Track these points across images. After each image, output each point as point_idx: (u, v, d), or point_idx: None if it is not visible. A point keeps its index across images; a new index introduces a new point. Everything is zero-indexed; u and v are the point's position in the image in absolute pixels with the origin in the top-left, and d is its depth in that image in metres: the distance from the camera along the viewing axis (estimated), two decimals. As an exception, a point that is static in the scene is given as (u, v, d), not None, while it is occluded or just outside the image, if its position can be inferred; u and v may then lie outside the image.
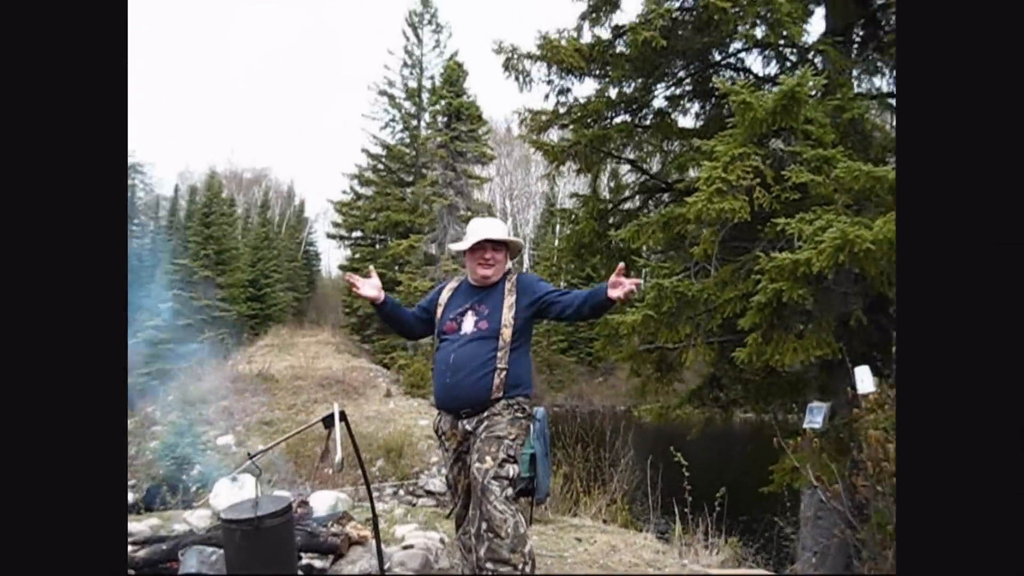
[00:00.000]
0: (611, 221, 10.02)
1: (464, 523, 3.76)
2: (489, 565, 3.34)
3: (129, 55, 2.24)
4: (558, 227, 36.82)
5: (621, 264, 3.37)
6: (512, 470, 3.45)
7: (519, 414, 3.58)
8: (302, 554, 4.27)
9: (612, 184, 10.47)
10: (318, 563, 4.37)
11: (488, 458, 3.41)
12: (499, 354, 3.54)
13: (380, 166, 32.24)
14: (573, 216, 10.54)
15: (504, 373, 3.53)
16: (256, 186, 56.97)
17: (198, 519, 5.31)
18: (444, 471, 3.86)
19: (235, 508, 3.81)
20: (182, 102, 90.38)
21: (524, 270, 42.64)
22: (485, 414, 3.54)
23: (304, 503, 5.23)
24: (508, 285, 3.73)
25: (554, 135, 10.66)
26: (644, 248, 8.90)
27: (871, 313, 6.99)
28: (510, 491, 3.43)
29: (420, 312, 3.99)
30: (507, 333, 3.59)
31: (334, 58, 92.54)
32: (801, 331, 7.11)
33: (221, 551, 3.89)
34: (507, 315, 3.61)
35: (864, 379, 3.90)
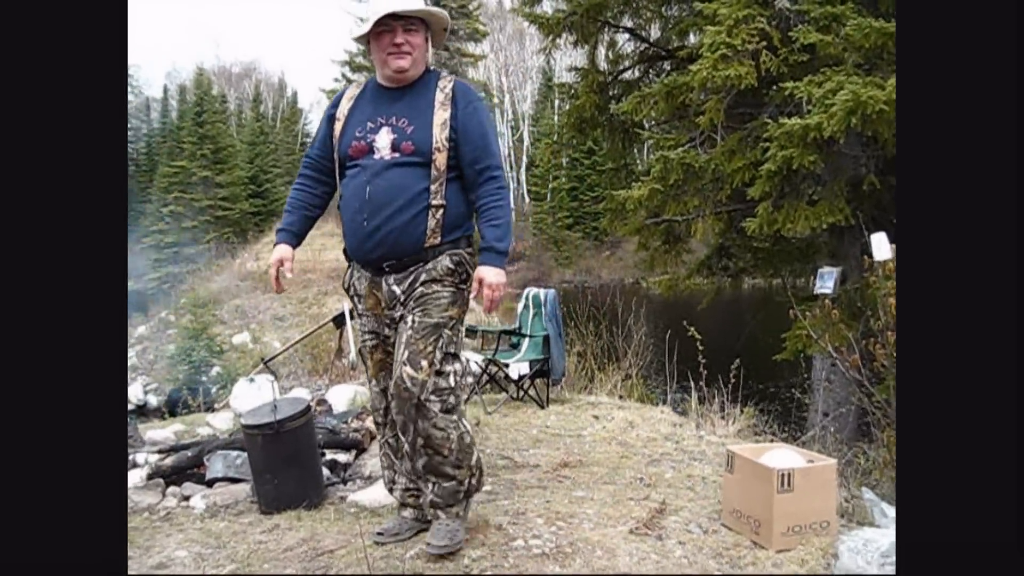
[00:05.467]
0: (611, 93, 9.77)
1: (385, 418, 2.98)
2: (431, 477, 2.79)
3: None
4: (557, 102, 36.04)
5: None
6: (455, 370, 2.75)
7: (463, 277, 2.77)
8: (325, 451, 4.34)
9: (610, 55, 10.11)
10: (342, 457, 4.44)
11: (423, 362, 2.64)
12: (433, 186, 2.68)
13: (371, 50, 31.32)
14: (572, 90, 10.27)
15: (441, 211, 2.69)
16: (246, 80, 55.80)
17: (220, 421, 5.39)
18: (359, 341, 3.02)
19: (255, 413, 3.84)
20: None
21: (525, 147, 42.15)
22: (419, 274, 2.72)
23: (322, 400, 5.28)
24: (440, 95, 2.75)
25: (548, 6, 10.27)
26: (647, 119, 8.69)
27: (883, 176, 6.84)
28: (452, 400, 2.73)
29: (316, 165, 2.96)
30: (441, 159, 2.69)
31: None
32: (812, 197, 6.99)
33: (245, 454, 3.95)
34: (439, 134, 2.68)
35: (881, 246, 3.81)
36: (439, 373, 2.67)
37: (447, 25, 2.87)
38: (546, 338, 6.06)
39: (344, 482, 4.17)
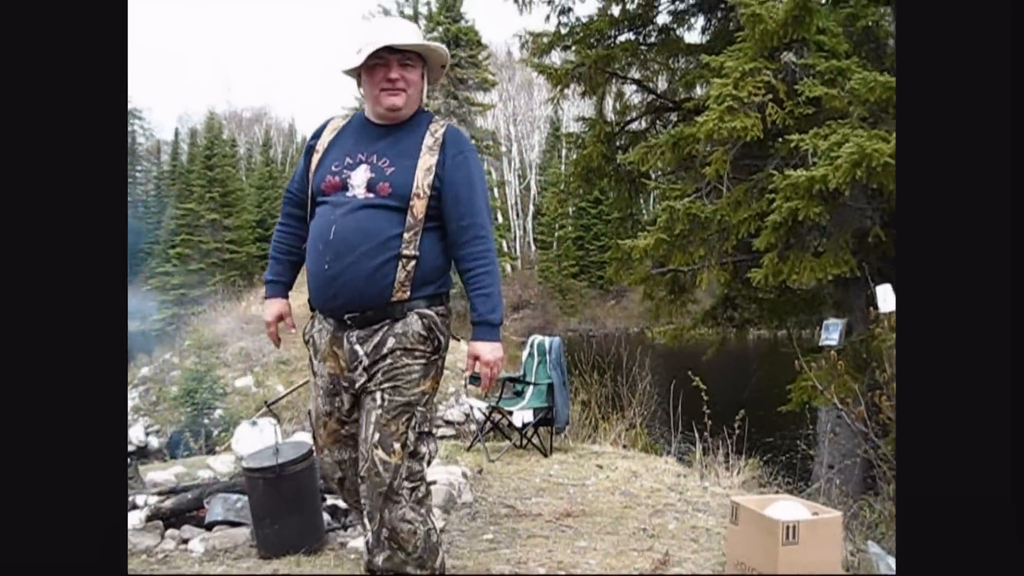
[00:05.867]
0: (619, 144, 9.87)
1: (342, 486, 2.77)
2: None
3: None
4: (564, 152, 36.40)
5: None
6: (429, 451, 2.52)
7: (435, 346, 2.50)
8: (326, 496, 4.30)
9: (618, 106, 10.25)
10: (343, 503, 4.40)
11: (396, 444, 2.40)
12: (407, 235, 2.40)
13: (381, 98, 31.71)
14: (579, 140, 10.38)
15: (413, 263, 2.41)
16: (256, 125, 56.66)
17: (221, 464, 5.35)
18: (311, 404, 2.74)
19: (256, 456, 3.82)
20: (175, 42, 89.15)
21: (532, 196, 42.38)
22: (386, 337, 2.45)
23: (325, 445, 5.25)
24: (430, 139, 2.49)
25: (556, 57, 10.44)
26: (653, 170, 8.77)
27: (888, 228, 6.87)
28: (423, 489, 2.49)
29: (295, 200, 2.72)
30: (420, 206, 2.42)
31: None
32: (817, 249, 7.02)
33: (246, 497, 3.92)
34: (422, 179, 2.42)
35: (886, 297, 3.82)
36: (412, 455, 2.44)
37: (445, 62, 2.61)
38: (550, 386, 6.04)
39: (345, 528, 4.13)
